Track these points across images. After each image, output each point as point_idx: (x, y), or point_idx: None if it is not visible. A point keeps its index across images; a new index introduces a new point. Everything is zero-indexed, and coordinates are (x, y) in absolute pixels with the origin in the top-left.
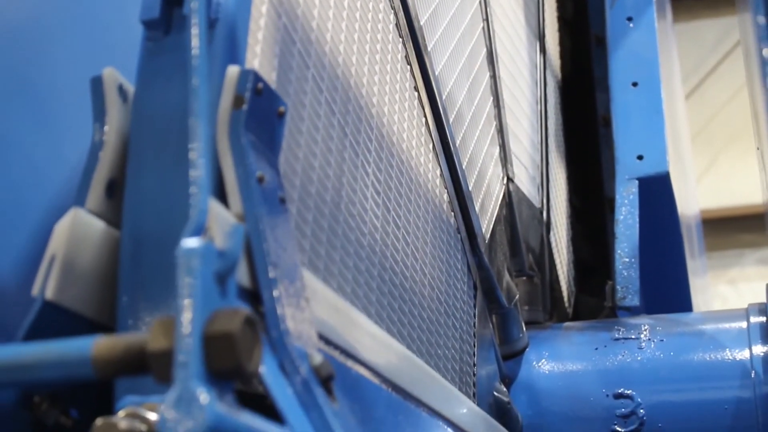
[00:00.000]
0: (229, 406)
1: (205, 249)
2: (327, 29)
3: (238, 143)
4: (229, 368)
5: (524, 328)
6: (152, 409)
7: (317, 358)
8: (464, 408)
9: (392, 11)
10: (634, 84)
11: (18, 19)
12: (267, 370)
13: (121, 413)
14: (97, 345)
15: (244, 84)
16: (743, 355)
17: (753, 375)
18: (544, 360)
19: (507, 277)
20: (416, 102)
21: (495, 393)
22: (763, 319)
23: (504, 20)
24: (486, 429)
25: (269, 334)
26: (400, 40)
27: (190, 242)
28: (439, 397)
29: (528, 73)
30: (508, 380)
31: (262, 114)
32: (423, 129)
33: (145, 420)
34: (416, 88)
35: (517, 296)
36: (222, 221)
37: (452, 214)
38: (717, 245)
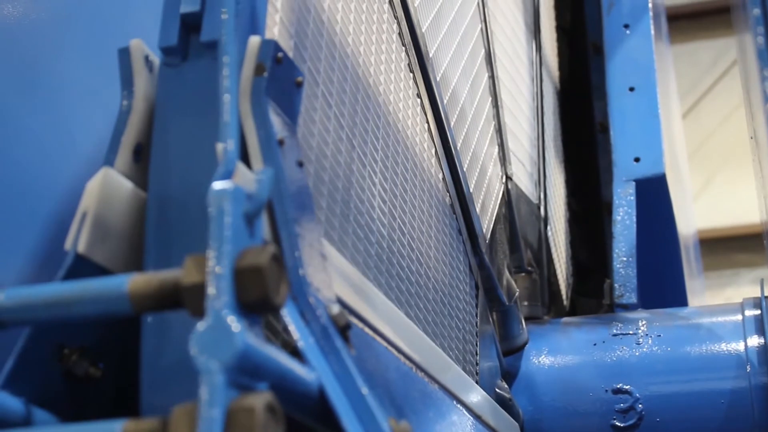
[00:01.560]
0: (256, 337)
1: (235, 190)
2: (335, 45)
3: (259, 108)
4: (258, 300)
5: (524, 324)
6: None
7: (335, 308)
8: (471, 388)
9: (395, 21)
10: (631, 89)
11: (31, 13)
12: (289, 316)
13: None
14: (133, 281)
15: (265, 53)
16: (738, 347)
17: (748, 367)
18: (543, 356)
19: (507, 274)
20: (419, 109)
21: (497, 389)
22: (757, 312)
23: (501, 20)
24: (490, 410)
25: (290, 285)
26: (403, 48)
27: (221, 184)
28: (443, 371)
29: (525, 70)
30: (509, 376)
31: (281, 82)
32: (426, 135)
33: None
34: (419, 95)
35: (517, 293)
36: (246, 176)
37: (454, 216)
38: (713, 265)
